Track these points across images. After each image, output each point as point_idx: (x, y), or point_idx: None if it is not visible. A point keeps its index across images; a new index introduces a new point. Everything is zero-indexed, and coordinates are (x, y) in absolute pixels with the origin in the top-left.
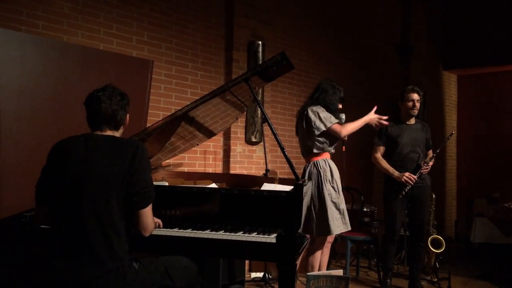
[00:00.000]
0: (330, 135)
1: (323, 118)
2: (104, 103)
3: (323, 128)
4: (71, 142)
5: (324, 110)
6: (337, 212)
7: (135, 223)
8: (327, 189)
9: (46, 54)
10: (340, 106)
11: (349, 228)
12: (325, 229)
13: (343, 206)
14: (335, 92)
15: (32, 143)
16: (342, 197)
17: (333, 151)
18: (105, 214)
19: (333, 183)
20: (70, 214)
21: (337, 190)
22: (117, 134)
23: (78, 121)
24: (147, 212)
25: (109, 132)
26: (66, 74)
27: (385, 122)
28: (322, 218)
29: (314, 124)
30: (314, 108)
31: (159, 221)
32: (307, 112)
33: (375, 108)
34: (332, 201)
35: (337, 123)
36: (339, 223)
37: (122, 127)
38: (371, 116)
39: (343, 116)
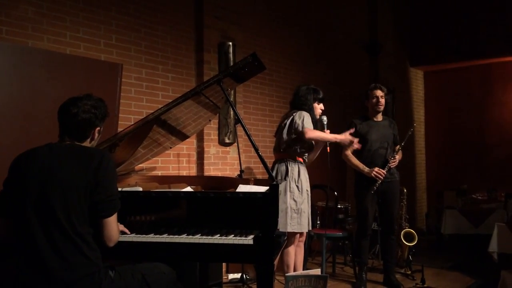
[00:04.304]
0: (305, 142)
1: (304, 122)
2: (68, 115)
3: (300, 129)
4: (34, 152)
5: (309, 117)
6: (294, 211)
7: (99, 233)
8: (291, 187)
9: (11, 60)
10: (321, 106)
11: (303, 230)
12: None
13: (303, 206)
14: (308, 93)
15: None
16: (305, 199)
17: (305, 156)
18: (70, 222)
19: (298, 182)
20: (34, 224)
21: (300, 190)
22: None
23: (46, 127)
24: (112, 222)
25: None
26: (32, 80)
27: (357, 146)
28: (281, 213)
29: (298, 125)
30: (303, 113)
31: (125, 229)
32: (294, 115)
33: (352, 130)
34: (294, 199)
35: (312, 128)
36: (293, 223)
37: (88, 140)
38: (344, 137)
39: (324, 118)
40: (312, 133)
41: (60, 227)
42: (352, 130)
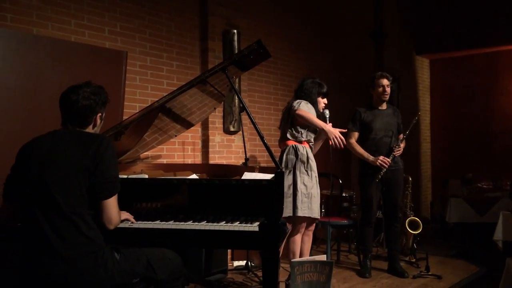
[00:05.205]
0: (310, 128)
1: (301, 106)
2: (68, 102)
3: (295, 108)
4: (38, 139)
5: (308, 103)
6: (305, 195)
7: (99, 216)
8: (301, 171)
9: (16, 48)
10: (325, 101)
11: (314, 216)
12: (290, 208)
13: (313, 191)
14: (313, 86)
15: (2, 140)
16: (315, 183)
17: (312, 142)
18: (68, 203)
19: (307, 167)
20: (35, 206)
21: (310, 175)
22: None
23: (50, 115)
24: (111, 204)
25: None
26: (37, 68)
27: (340, 146)
28: (290, 199)
29: (293, 107)
30: (302, 100)
31: (130, 217)
32: (293, 102)
33: (343, 130)
34: (304, 184)
35: (307, 111)
36: (304, 207)
37: (90, 127)
38: (333, 130)
39: (327, 111)
40: (304, 112)
41: (57, 208)
42: (344, 131)
